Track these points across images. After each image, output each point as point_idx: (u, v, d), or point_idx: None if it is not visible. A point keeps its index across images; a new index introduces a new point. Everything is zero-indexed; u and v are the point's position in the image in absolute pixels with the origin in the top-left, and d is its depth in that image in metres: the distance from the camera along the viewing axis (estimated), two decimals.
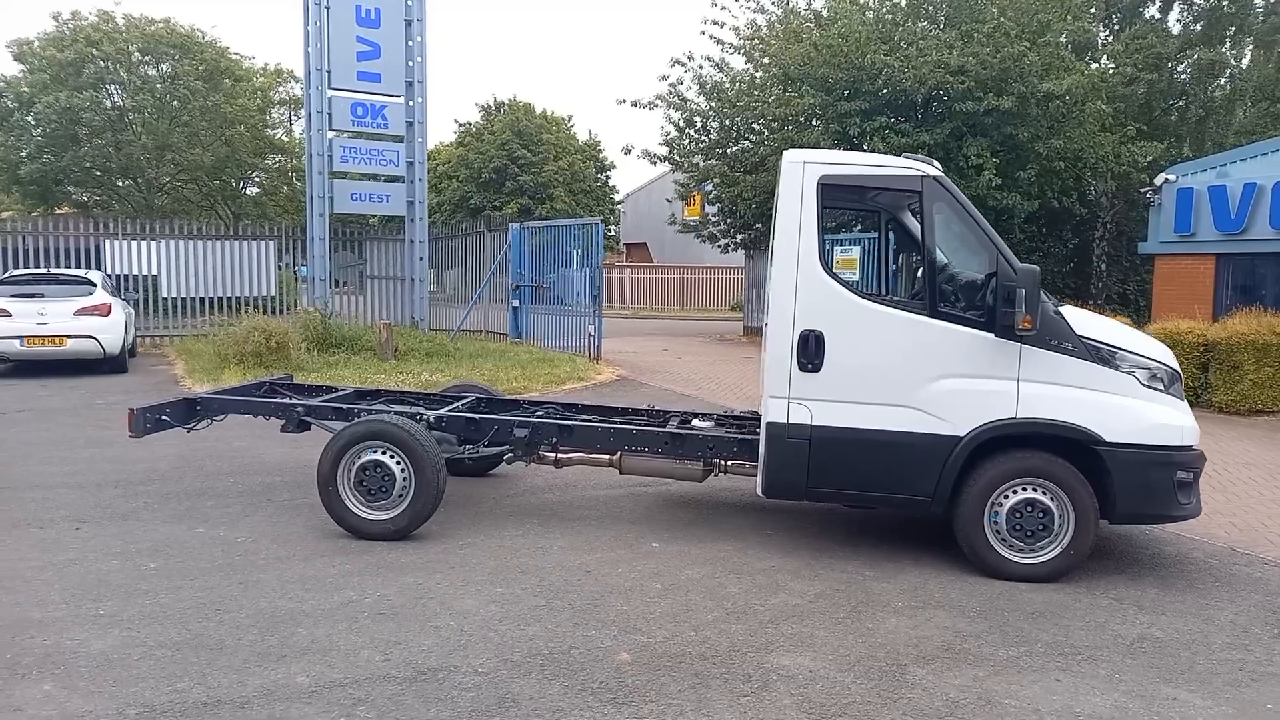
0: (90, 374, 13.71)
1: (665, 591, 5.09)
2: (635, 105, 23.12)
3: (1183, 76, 25.23)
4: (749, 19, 22.33)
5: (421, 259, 19.26)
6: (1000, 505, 5.38)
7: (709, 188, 24.15)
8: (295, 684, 3.87)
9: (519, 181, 42.59)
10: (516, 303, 17.90)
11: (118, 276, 17.79)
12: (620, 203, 53.08)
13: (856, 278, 18.21)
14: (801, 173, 5.50)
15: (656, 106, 23.44)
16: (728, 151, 23.20)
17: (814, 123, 20.38)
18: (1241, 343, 12.30)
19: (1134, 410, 5.33)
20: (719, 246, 24.75)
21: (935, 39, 19.25)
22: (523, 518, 6.48)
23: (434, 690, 3.84)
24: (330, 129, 17.85)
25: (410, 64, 18.48)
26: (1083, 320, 5.50)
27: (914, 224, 6.66)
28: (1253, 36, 25.09)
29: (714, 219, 24.44)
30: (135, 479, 7.32)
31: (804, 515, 6.69)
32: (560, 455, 6.38)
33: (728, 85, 22.70)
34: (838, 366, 5.42)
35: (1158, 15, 26.68)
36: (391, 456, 5.80)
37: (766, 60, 21.82)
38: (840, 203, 6.15)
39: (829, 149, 19.30)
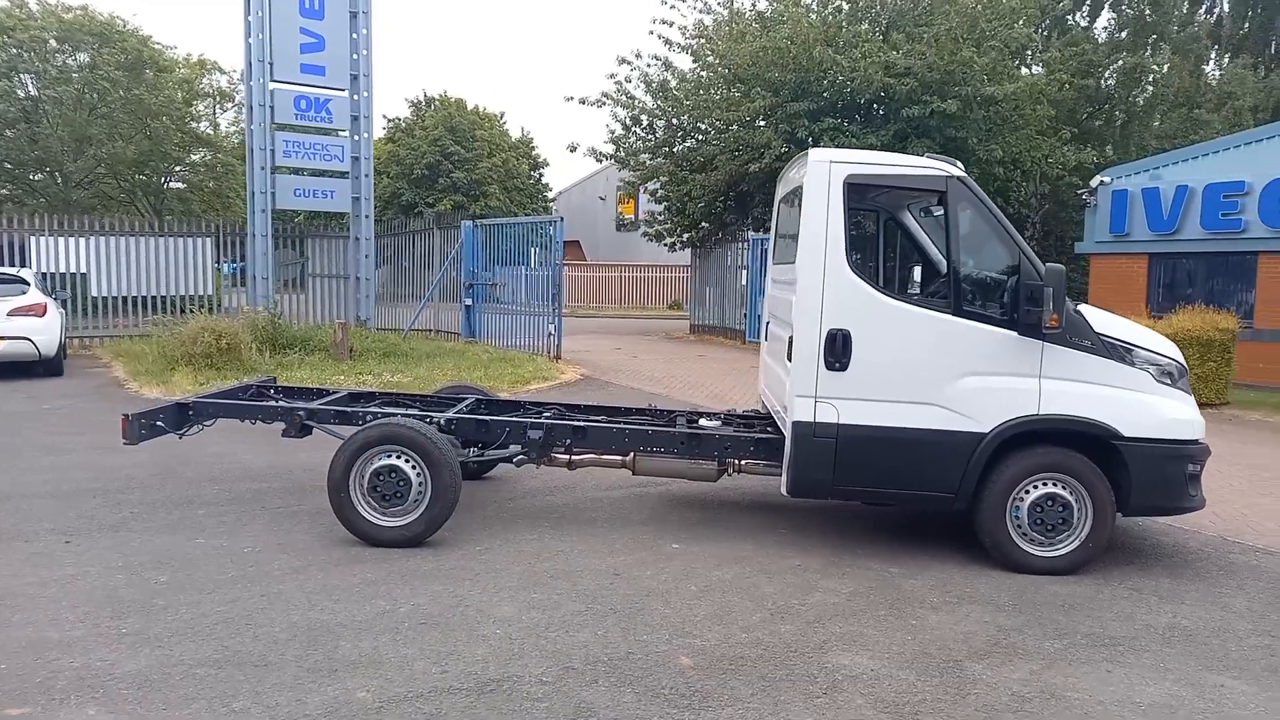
0: (25, 377, 13.02)
1: (702, 593, 5.05)
2: (584, 103, 23.02)
3: (1109, 82, 26.21)
4: (696, 19, 22.40)
5: (368, 256, 18.86)
6: (1021, 500, 5.48)
7: (655, 186, 24.19)
8: (358, 699, 3.71)
9: (452, 178, 42.01)
10: (469, 301, 17.62)
11: (44, 275, 16.94)
12: (553, 200, 52.81)
13: None
14: (828, 172, 5.51)
15: (604, 104, 23.36)
16: (674, 150, 23.26)
17: (760, 123, 20.54)
18: (1186, 338, 12.80)
19: (1149, 405, 5.48)
20: (666, 245, 24.78)
21: (879, 42, 19.58)
22: (533, 521, 6.36)
23: (504, 701, 3.73)
24: (273, 123, 17.33)
25: (355, 57, 18.07)
26: (1099, 318, 5.63)
27: (913, 223, 6.77)
28: (1170, 44, 26.20)
29: (660, 217, 24.48)
30: (114, 488, 6.97)
31: (811, 513, 6.72)
32: (574, 457, 6.28)
33: (674, 84, 22.75)
34: (864, 365, 5.45)
35: (1086, 23, 27.68)
36: (407, 461, 5.63)
37: (713, 60, 21.93)
38: (861, 203, 6.17)
39: (778, 150, 19.52)
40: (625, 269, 40.39)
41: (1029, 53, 23.41)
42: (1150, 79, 24.24)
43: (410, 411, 6.39)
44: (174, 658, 4.05)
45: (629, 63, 23.35)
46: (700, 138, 23.49)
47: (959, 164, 5.59)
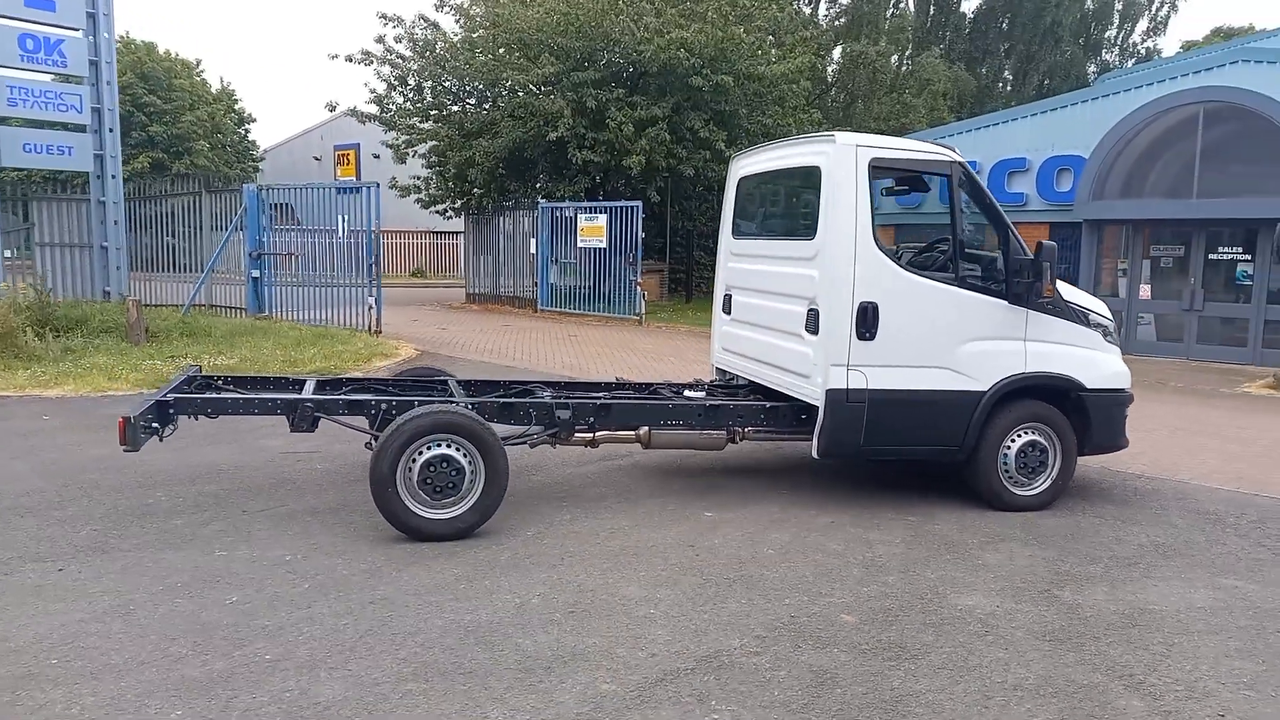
0: None
1: (784, 555, 5.34)
2: (350, 60, 21.74)
3: (833, 66, 28.82)
4: None
5: (117, 223, 16.68)
6: (1009, 448, 6.28)
7: (424, 149, 23.38)
8: (606, 691, 3.66)
9: (148, 132, 37.74)
10: (256, 273, 16.19)
11: None
12: (261, 160, 49.02)
13: (604, 245, 18.87)
14: (855, 155, 5.90)
15: (370, 63, 22.19)
16: (448, 114, 22.61)
17: (544, 90, 20.52)
18: None
19: (1101, 361, 6.48)
20: (439, 211, 24.06)
21: (663, 15, 20.22)
22: (547, 502, 6.27)
23: (739, 675, 3.84)
24: None
25: None
26: (1063, 286, 6.53)
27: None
28: (885, 35, 29.27)
29: (430, 181, 23.70)
30: (40, 505, 5.94)
31: (795, 472, 7.19)
32: (597, 434, 6.25)
33: (441, 46, 22.08)
34: (889, 335, 5.95)
35: (809, 10, 30.11)
36: (459, 449, 5.37)
37: (482, 21, 21.54)
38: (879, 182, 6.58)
39: (569, 118, 19.64)
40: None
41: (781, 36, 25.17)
42: (870, 65, 26.97)
43: (421, 398, 6.03)
44: (364, 678, 3.72)
45: (392, 21, 22.32)
46: (473, 101, 23.03)
47: (956, 149, 6.22)
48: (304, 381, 6.55)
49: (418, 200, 24.20)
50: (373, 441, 5.85)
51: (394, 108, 23.25)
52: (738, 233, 7.46)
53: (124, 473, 6.75)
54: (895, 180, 6.65)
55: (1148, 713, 3.64)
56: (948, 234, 6.29)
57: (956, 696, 3.70)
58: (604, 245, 19.31)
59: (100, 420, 8.53)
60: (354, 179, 29.52)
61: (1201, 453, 8.49)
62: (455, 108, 22.84)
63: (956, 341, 6.10)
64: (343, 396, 6.02)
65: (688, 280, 24.72)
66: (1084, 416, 6.40)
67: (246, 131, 48.46)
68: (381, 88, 22.97)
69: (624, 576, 4.92)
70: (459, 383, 6.77)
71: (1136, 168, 16.46)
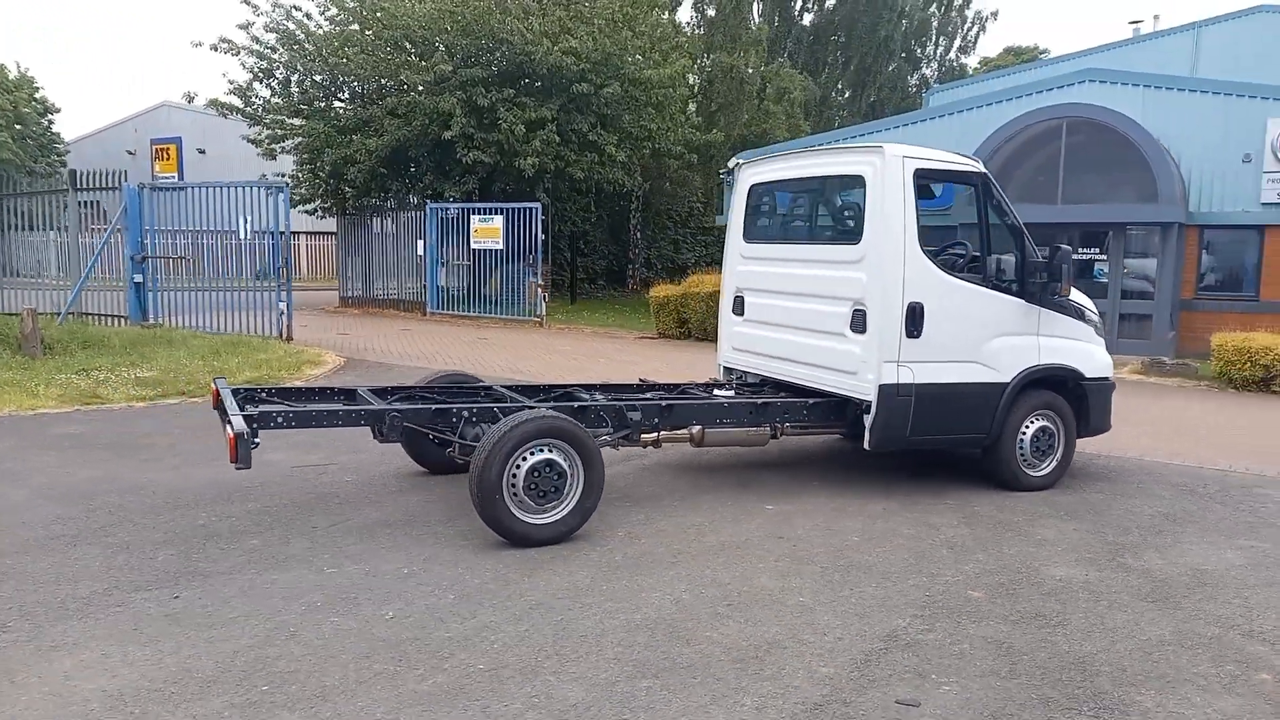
0: None
1: (870, 542, 5.68)
2: (215, 49, 20.49)
3: (695, 75, 29.62)
4: None
5: None
6: (1025, 433, 6.90)
7: (290, 145, 22.37)
8: (827, 673, 3.87)
9: None
10: (139, 278, 15.07)
11: None
12: (66, 153, 45.18)
13: (500, 246, 18.76)
14: (901, 165, 6.33)
15: (231, 51, 21.04)
16: (320, 108, 21.75)
17: (420, 87, 20.07)
18: None
19: (1095, 353, 7.21)
20: (309, 210, 23.04)
21: (549, 16, 20.23)
22: (615, 505, 6.27)
23: (930, 651, 4.14)
24: None
25: None
26: None
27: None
28: (742, 46, 30.33)
29: (301, 179, 22.65)
30: (92, 531, 5.48)
31: (812, 463, 7.57)
32: (661, 435, 6.38)
33: (303, 38, 21.25)
34: (932, 332, 6.41)
35: (668, 19, 30.74)
36: (560, 454, 5.41)
37: (360, 14, 20.90)
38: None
39: (462, 117, 19.37)
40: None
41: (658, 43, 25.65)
42: (739, 75, 27.94)
43: (500, 405, 5.98)
44: (595, 679, 3.77)
45: (254, 6, 21.28)
46: (345, 96, 22.28)
47: (980, 160, 6.76)
48: (354, 391, 6.33)
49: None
50: (456, 450, 5.77)
51: (258, 101, 22.12)
52: (750, 237, 7.75)
53: (140, 495, 6.31)
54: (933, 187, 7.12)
55: (1272, 653, 4.20)
56: (960, 237, 6.83)
57: (1124, 654, 4.15)
58: (500, 247, 19.15)
59: (53, 440, 7.90)
60: (175, 175, 27.87)
61: (1115, 434, 9.45)
62: (328, 103, 21.97)
63: (985, 337, 6.65)
64: (428, 406, 5.88)
65: (571, 282, 24.80)
66: (1083, 403, 7.11)
67: (50, 122, 44.61)
68: (243, 78, 21.81)
69: (748, 569, 5.12)
70: (507, 388, 6.74)
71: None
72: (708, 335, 16.98)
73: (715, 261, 33.99)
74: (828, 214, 7.39)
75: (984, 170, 6.67)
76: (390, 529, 5.67)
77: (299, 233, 28.53)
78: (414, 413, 5.77)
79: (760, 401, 6.72)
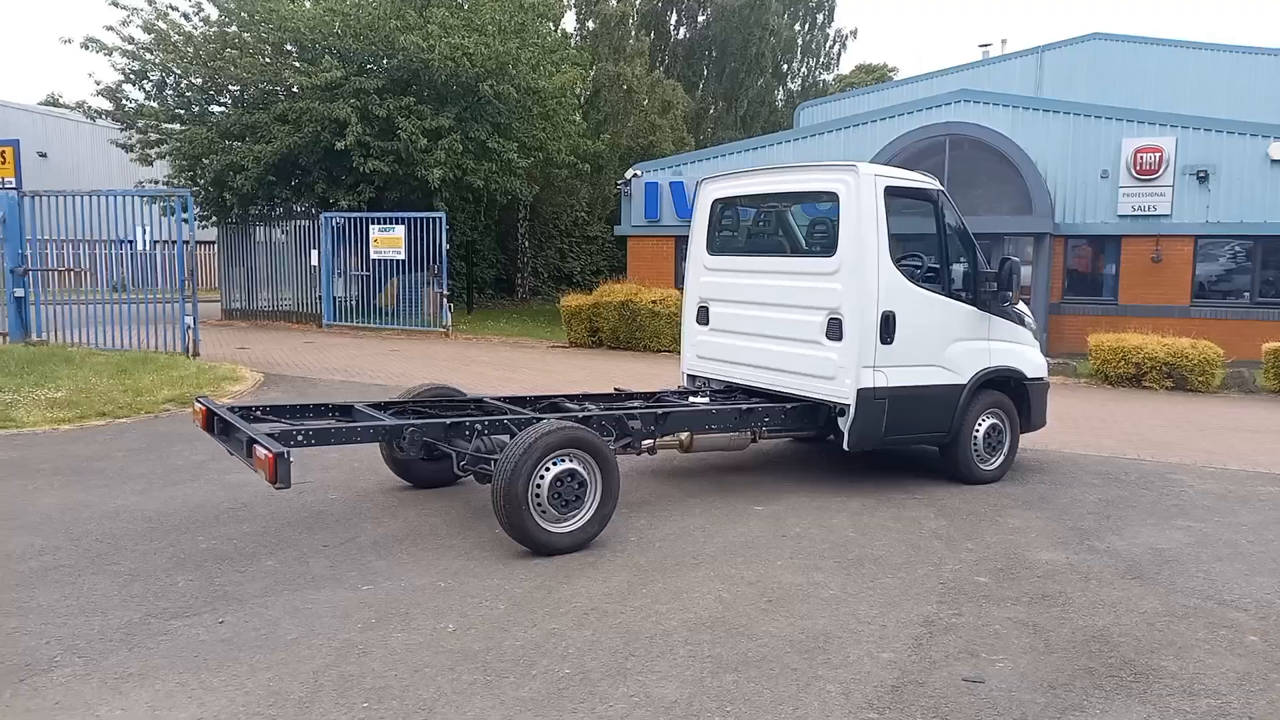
0: None
1: (866, 535, 6.04)
2: (86, 47, 19.33)
3: (581, 88, 29.89)
4: None
5: None
6: (978, 430, 7.45)
7: (166, 150, 21.34)
8: (891, 659, 4.17)
9: None
10: (20, 292, 14.09)
11: None
12: None
13: (403, 256, 18.52)
14: (874, 183, 6.75)
15: (102, 51, 19.94)
16: (198, 112, 20.86)
17: (330, 94, 19.58)
18: None
19: (1033, 355, 7.85)
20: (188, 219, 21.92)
21: (435, 20, 19.98)
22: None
23: (971, 633, 4.50)
24: None
25: None
26: None
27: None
28: (625, 58, 30.78)
29: (178, 185, 21.57)
30: (94, 560, 5.23)
31: (773, 465, 7.91)
32: (657, 441, 6.57)
33: (180, 39, 20.38)
34: (902, 338, 6.86)
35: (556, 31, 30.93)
36: (581, 463, 5.53)
37: (241, 15, 20.18)
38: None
39: (356, 123, 18.99)
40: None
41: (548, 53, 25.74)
42: (624, 82, 28.35)
43: (509, 418, 6.04)
44: (685, 676, 3.94)
45: (125, 8, 20.26)
46: (226, 101, 21.44)
47: (936, 178, 7.27)
48: (351, 407, 6.24)
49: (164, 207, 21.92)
50: (466, 461, 5.79)
51: (130, 105, 21.01)
52: (714, 250, 8.03)
53: (119, 520, 6.03)
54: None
55: (1250, 619, 4.77)
56: (915, 250, 7.34)
57: (1131, 626, 4.62)
58: (402, 256, 18.83)
59: None
60: (11, 180, 26.05)
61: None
62: (206, 107, 21.07)
63: (946, 343, 7.15)
64: (442, 419, 5.87)
65: (467, 292, 24.55)
66: (1024, 402, 7.73)
67: None
68: (113, 79, 20.67)
69: (768, 568, 5.38)
70: (497, 400, 6.78)
71: None
72: (619, 344, 17.25)
73: (600, 270, 34.32)
74: (800, 228, 7.75)
75: (941, 188, 7.18)
76: (403, 544, 5.65)
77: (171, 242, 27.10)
78: (430, 427, 5.77)
79: (745, 408, 7.00)
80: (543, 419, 5.90)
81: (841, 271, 6.82)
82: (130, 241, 13.67)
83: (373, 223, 19.07)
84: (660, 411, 6.58)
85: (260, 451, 4.81)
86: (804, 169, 7.46)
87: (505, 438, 5.94)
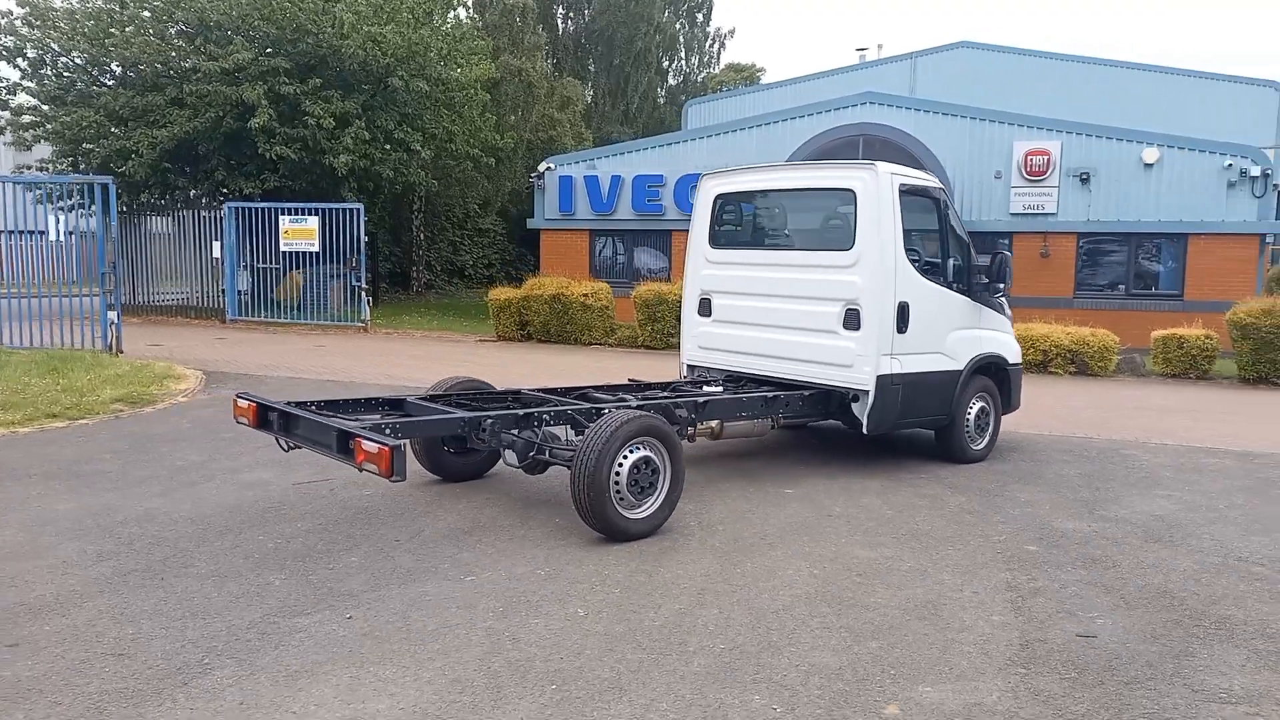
0: None
1: (905, 513, 6.41)
2: None
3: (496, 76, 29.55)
4: None
5: None
6: (970, 413, 7.97)
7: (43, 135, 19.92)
8: (1001, 620, 4.52)
9: None
10: None
11: None
12: None
13: (317, 248, 18.00)
14: (891, 181, 7.13)
15: None
16: (82, 92, 19.56)
17: (236, 76, 18.71)
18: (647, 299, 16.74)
19: (1011, 343, 8.44)
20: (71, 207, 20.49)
21: (359, 10, 19.50)
22: None
23: (1052, 596, 4.90)
24: None
25: None
26: None
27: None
28: (526, 52, 30.55)
29: (59, 171, 20.16)
30: (164, 564, 5.00)
31: (776, 449, 8.22)
32: (696, 430, 6.74)
33: (55, 11, 19.12)
34: (913, 327, 7.27)
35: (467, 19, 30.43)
36: (654, 451, 5.67)
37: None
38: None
39: (269, 109, 18.28)
40: None
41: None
42: (526, 76, 28.17)
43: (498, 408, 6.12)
44: (830, 644, 4.17)
45: None
46: (111, 82, 20.19)
47: (935, 177, 7.72)
48: (402, 401, 6.16)
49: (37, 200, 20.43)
50: (538, 451, 5.81)
51: (3, 83, 19.52)
52: (717, 244, 8.25)
53: (160, 523, 5.77)
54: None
55: (1271, 571, 5.38)
56: (910, 245, 7.80)
57: (1183, 583, 5.13)
58: (316, 249, 18.22)
59: None
60: None
61: None
62: (89, 88, 19.77)
63: (947, 331, 7.62)
64: (514, 410, 5.88)
65: (374, 284, 23.86)
66: (1005, 385, 8.31)
67: None
68: None
69: (838, 544, 5.66)
70: (534, 392, 6.81)
71: None
72: (550, 337, 17.25)
73: (493, 264, 33.96)
74: (814, 222, 8.06)
75: (942, 186, 7.64)
76: (472, 536, 5.64)
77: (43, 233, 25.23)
78: (505, 419, 5.77)
79: (770, 395, 7.27)
80: (606, 409, 5.99)
81: (859, 264, 7.17)
82: (42, 232, 12.74)
83: (284, 213, 18.36)
84: (700, 400, 6.77)
85: (370, 445, 4.73)
86: (817, 167, 7.81)
87: (558, 430, 6.05)
